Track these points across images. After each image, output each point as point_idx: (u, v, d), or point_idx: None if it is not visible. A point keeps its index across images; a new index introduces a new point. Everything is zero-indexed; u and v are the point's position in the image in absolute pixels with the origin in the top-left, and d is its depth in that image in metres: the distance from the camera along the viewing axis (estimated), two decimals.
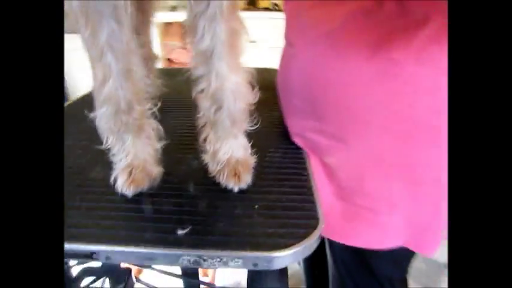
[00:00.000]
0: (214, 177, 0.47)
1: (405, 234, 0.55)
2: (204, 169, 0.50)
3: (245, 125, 0.48)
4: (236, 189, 0.46)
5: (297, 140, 0.59)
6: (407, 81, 0.47)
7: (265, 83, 0.55)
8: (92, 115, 0.45)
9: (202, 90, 0.45)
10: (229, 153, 0.47)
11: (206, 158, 0.49)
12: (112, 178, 0.47)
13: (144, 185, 0.46)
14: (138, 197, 0.45)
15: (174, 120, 0.68)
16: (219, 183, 0.47)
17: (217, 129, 0.47)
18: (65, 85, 1.77)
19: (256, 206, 0.42)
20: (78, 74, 1.75)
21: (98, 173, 0.50)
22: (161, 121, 0.50)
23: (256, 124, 0.49)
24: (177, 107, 0.73)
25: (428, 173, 0.51)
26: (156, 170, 0.48)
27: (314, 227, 0.39)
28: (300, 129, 0.58)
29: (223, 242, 0.37)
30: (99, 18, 0.39)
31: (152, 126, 0.49)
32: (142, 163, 0.48)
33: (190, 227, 0.38)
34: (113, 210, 0.42)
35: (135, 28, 0.66)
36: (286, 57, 0.60)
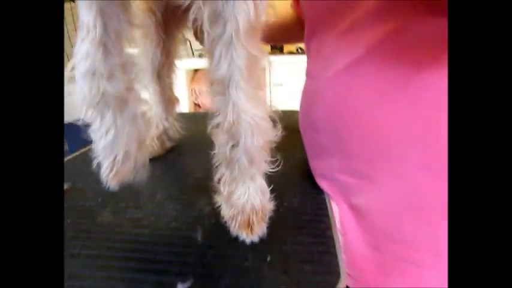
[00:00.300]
0: (226, 223, 0.43)
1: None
2: (216, 215, 0.46)
3: (265, 165, 0.42)
4: (248, 242, 0.41)
5: (322, 183, 0.54)
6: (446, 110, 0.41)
7: (290, 125, 0.52)
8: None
9: (217, 125, 0.41)
10: (245, 197, 0.42)
11: (219, 200, 0.44)
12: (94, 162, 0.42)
13: (129, 176, 0.42)
14: (140, 245, 0.41)
15: (192, 163, 0.66)
16: (230, 232, 0.42)
17: (234, 169, 0.41)
18: None
19: (268, 259, 0.37)
20: None
21: (105, 217, 0.48)
22: (179, 164, 0.48)
23: (277, 166, 0.44)
24: (197, 149, 0.71)
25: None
26: (141, 157, 0.42)
27: (333, 284, 0.33)
28: (325, 170, 0.53)
29: None
30: None
31: (140, 104, 0.42)
32: (125, 148, 0.41)
33: (192, 281, 0.34)
34: (112, 260, 0.39)
35: (158, 72, 0.69)
36: (308, 93, 0.57)
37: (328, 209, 0.47)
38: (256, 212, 0.42)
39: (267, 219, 0.43)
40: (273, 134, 0.41)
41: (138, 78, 0.43)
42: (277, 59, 1.83)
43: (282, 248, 0.39)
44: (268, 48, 1.81)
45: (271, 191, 0.45)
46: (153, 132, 0.70)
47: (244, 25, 0.35)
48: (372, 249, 0.47)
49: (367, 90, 0.45)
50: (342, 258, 0.37)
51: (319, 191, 0.53)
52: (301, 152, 0.60)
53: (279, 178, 0.44)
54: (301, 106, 0.59)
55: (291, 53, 1.93)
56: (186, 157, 0.71)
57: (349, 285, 0.47)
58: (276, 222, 0.44)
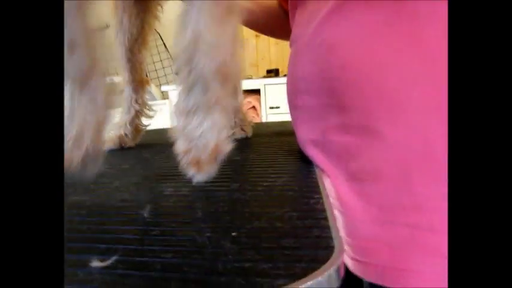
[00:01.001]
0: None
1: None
2: (177, 195, 0.36)
3: (224, 98, 0.37)
4: (194, 181, 0.36)
5: (313, 152, 0.45)
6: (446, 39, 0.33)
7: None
8: None
9: (177, 41, 0.37)
10: (199, 131, 0.37)
11: (175, 130, 0.39)
12: None
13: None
14: (80, 225, 0.31)
15: (161, 157, 0.56)
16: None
17: (189, 97, 0.38)
18: None
19: (234, 234, 0.27)
20: None
21: None
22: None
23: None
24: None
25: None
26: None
27: (323, 259, 0.22)
28: (317, 135, 0.44)
29: None
30: None
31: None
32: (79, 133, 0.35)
33: (117, 257, 0.23)
34: None
35: (130, 47, 0.65)
36: (291, 59, 0.50)
37: (320, 184, 0.37)
38: (208, 149, 0.37)
39: (219, 159, 0.37)
40: (234, 65, 0.38)
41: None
42: (272, 82, 1.79)
43: (254, 224, 0.29)
44: (263, 72, 1.79)
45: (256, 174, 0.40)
46: (125, 117, 0.68)
47: None
48: (381, 225, 0.37)
49: (357, 28, 0.38)
50: (337, 230, 0.26)
51: (311, 169, 0.42)
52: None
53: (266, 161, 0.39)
54: (287, 78, 0.51)
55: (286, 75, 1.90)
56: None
57: (359, 274, 0.36)
58: (250, 200, 0.34)
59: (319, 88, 0.42)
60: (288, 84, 0.51)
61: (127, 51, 0.65)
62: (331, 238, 0.25)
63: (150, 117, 0.72)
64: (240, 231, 0.27)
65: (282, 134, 0.76)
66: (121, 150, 0.67)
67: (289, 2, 0.54)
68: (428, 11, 0.35)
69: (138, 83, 0.70)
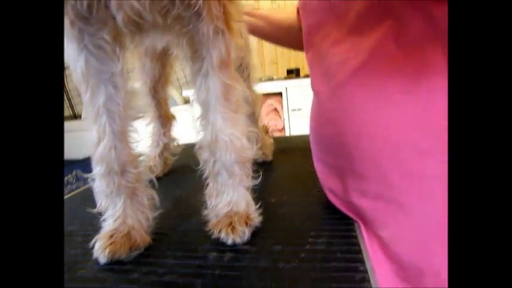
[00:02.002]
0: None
1: None
2: (221, 266, 0.38)
3: (246, 178, 0.46)
4: (229, 242, 0.41)
5: (332, 198, 0.48)
6: None
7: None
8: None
9: (201, 144, 0.46)
10: (229, 207, 0.44)
11: (207, 212, 0.46)
12: (92, 242, 0.42)
13: (123, 253, 0.40)
14: None
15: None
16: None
17: (217, 182, 0.46)
18: None
19: None
20: None
21: (89, 270, 0.40)
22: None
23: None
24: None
25: None
26: (143, 240, 0.43)
27: None
28: (336, 188, 0.47)
29: None
30: (96, 80, 0.41)
31: (147, 193, 0.46)
32: (128, 229, 0.43)
33: None
34: None
35: (154, 85, 0.69)
36: (314, 111, 0.51)
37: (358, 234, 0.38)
38: (239, 215, 0.43)
39: (252, 226, 0.43)
40: (249, 151, 0.45)
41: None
42: (293, 83, 1.77)
43: None
44: (284, 73, 1.77)
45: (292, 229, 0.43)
46: (154, 150, 0.72)
47: (217, 60, 0.42)
48: (403, 282, 0.38)
49: (373, 98, 0.39)
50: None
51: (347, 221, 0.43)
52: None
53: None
54: (310, 126, 0.52)
55: (307, 76, 1.88)
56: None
57: None
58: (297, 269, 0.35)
59: (338, 151, 0.43)
60: (313, 137, 0.52)
61: (151, 90, 0.69)
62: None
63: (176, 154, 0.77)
64: None
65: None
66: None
67: (304, 45, 0.53)
68: (439, 80, 0.35)
69: (164, 118, 0.74)
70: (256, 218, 0.45)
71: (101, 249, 0.41)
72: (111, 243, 0.41)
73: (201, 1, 0.37)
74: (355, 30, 0.42)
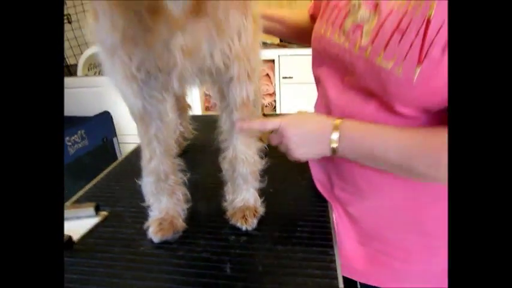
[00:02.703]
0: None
1: (423, 281, 0.62)
2: (239, 246, 0.56)
3: (254, 182, 0.63)
4: (243, 229, 0.59)
5: (319, 187, 0.68)
6: None
7: None
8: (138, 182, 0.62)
9: (224, 158, 0.63)
10: (242, 202, 0.62)
11: (226, 204, 0.64)
12: (145, 225, 0.60)
13: (169, 235, 0.58)
14: (180, 275, 0.51)
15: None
16: (253, 265, 0.52)
17: (234, 185, 0.63)
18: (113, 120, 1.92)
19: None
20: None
21: (146, 248, 0.58)
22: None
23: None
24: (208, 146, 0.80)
25: (440, 228, 0.57)
26: (181, 225, 0.61)
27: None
28: (326, 184, 0.68)
29: None
30: (149, 118, 0.57)
31: (182, 191, 0.63)
32: (171, 218, 0.60)
33: None
34: None
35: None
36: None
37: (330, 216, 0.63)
38: (249, 209, 0.61)
39: (258, 216, 0.62)
40: (260, 165, 0.63)
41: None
42: (286, 53, 1.86)
43: (295, 280, 0.48)
44: (276, 40, 1.84)
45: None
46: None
47: (239, 100, 0.56)
48: (361, 245, 0.63)
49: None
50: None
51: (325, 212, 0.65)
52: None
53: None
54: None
55: (299, 45, 1.95)
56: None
57: (344, 274, 0.56)
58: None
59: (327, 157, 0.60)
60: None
61: None
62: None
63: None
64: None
65: None
66: None
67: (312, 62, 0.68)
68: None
69: (182, 109, 0.90)
70: (261, 210, 0.63)
71: (153, 232, 0.58)
72: (160, 229, 0.58)
73: (234, 74, 0.52)
74: None
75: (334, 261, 0.52)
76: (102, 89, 1.89)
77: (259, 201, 0.64)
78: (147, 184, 0.61)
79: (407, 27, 0.46)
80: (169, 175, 0.61)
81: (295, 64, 1.86)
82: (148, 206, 0.62)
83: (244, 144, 0.60)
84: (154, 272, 0.52)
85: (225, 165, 0.63)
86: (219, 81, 0.56)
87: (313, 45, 0.65)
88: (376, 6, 0.51)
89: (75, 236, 0.60)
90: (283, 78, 1.90)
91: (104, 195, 0.75)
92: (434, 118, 0.50)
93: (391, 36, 0.48)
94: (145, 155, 0.60)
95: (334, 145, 0.53)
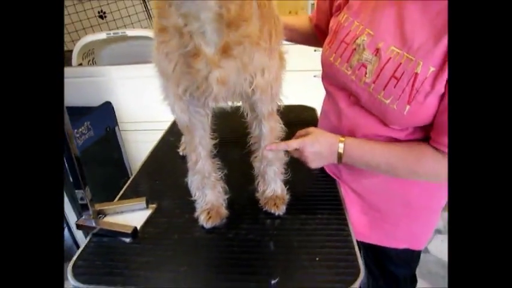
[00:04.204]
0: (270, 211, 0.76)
1: (407, 240, 0.85)
2: (276, 228, 0.71)
3: (281, 175, 0.79)
4: (276, 214, 0.75)
5: (331, 173, 0.87)
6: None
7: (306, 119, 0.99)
8: (185, 180, 0.77)
9: (255, 156, 0.79)
10: (272, 192, 0.77)
11: (258, 195, 0.79)
12: (195, 215, 0.75)
13: (217, 221, 0.73)
14: (234, 254, 0.66)
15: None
16: (291, 242, 0.68)
17: (264, 177, 0.78)
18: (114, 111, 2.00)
19: (317, 258, 0.63)
20: (125, 101, 1.99)
21: (200, 233, 0.72)
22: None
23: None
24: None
25: (420, 202, 0.79)
26: (224, 212, 0.75)
27: (357, 275, 0.59)
28: (334, 168, 0.86)
29: None
30: (195, 129, 0.70)
31: (221, 185, 0.78)
32: (216, 208, 0.75)
33: (278, 278, 0.59)
34: (217, 267, 0.64)
35: None
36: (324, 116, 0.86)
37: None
38: (279, 198, 0.76)
39: (285, 202, 0.77)
40: (283, 162, 0.79)
41: None
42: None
43: (322, 251, 0.65)
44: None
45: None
46: None
47: (266, 113, 0.71)
48: (363, 214, 0.84)
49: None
50: (359, 257, 0.63)
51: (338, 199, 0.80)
52: None
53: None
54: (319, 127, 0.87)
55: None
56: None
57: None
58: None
59: None
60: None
61: None
62: (357, 262, 0.62)
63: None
64: (319, 257, 0.63)
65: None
66: None
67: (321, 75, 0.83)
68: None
69: None
70: (287, 197, 0.78)
71: (204, 220, 0.73)
72: (210, 217, 0.73)
73: (257, 98, 0.66)
74: None
75: (347, 225, 0.71)
76: (101, 79, 1.95)
77: (285, 190, 0.79)
78: (194, 181, 0.75)
79: (400, 76, 0.63)
80: (211, 173, 0.75)
81: (289, 53, 1.95)
82: (195, 200, 0.76)
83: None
84: (213, 252, 0.67)
85: (256, 164, 0.78)
86: (248, 101, 0.70)
87: (324, 67, 0.80)
88: (377, 51, 0.66)
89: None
90: None
91: (145, 190, 0.88)
92: (416, 129, 0.69)
93: (389, 80, 0.65)
94: (191, 158, 0.74)
95: (340, 160, 0.73)
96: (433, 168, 0.66)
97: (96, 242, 0.72)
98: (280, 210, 0.75)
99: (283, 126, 0.76)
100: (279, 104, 0.74)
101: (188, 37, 0.54)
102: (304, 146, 0.72)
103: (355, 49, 0.70)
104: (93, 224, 0.75)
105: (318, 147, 0.72)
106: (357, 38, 0.70)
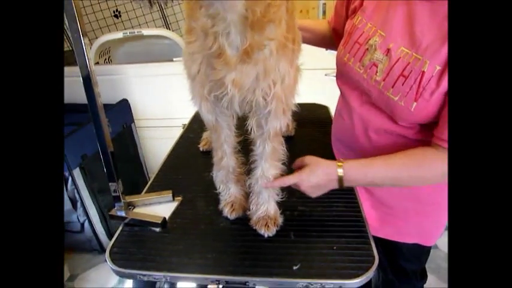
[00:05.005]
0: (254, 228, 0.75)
1: (417, 235, 0.89)
2: (295, 219, 0.77)
3: (276, 196, 0.77)
4: (266, 235, 0.73)
5: (335, 146, 0.94)
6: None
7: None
8: (211, 174, 0.80)
9: (253, 175, 0.76)
10: (265, 212, 0.75)
11: (249, 213, 0.78)
12: (220, 207, 0.80)
13: (240, 213, 0.79)
14: (259, 242, 0.72)
15: None
16: (310, 232, 0.73)
17: (259, 197, 0.76)
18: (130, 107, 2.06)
19: (335, 247, 0.68)
20: (141, 97, 2.05)
21: (225, 223, 0.78)
22: None
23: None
24: None
25: (430, 198, 0.83)
26: (247, 205, 0.79)
27: (372, 262, 0.64)
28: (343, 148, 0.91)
29: (322, 273, 0.63)
30: (221, 128, 0.73)
31: (244, 179, 0.80)
32: (239, 200, 0.80)
33: (299, 264, 0.65)
34: (244, 254, 0.69)
35: None
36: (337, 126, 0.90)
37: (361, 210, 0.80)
38: (270, 218, 0.74)
39: (278, 224, 0.75)
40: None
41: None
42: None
43: (340, 240, 0.70)
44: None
45: None
46: None
47: (273, 132, 0.69)
48: (373, 209, 0.89)
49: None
50: (374, 247, 0.68)
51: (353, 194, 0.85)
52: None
53: None
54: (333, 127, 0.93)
55: None
56: None
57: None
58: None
59: (349, 146, 0.83)
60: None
61: None
62: (372, 250, 0.67)
63: None
64: (337, 245, 0.68)
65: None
66: None
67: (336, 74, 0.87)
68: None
69: None
70: (280, 219, 0.76)
71: (229, 212, 0.78)
72: (234, 209, 0.78)
73: (271, 109, 0.64)
74: None
75: (361, 216, 0.77)
76: (118, 77, 2.02)
77: (278, 212, 0.77)
78: (219, 176, 0.80)
79: (408, 75, 0.68)
80: (235, 168, 0.80)
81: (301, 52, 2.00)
82: (219, 193, 0.82)
83: (271, 166, 0.73)
84: (238, 241, 0.73)
85: (252, 181, 0.76)
86: (258, 114, 0.67)
87: (338, 66, 0.85)
88: (388, 51, 0.71)
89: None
90: None
91: (170, 184, 0.93)
92: (423, 127, 0.73)
93: (398, 78, 0.69)
94: (217, 154, 0.78)
95: (341, 185, 0.71)
96: (437, 167, 0.66)
97: (128, 231, 0.78)
98: (271, 231, 0.73)
99: (285, 149, 0.75)
100: (288, 121, 0.72)
101: (213, 38, 0.56)
102: (300, 181, 0.71)
103: (367, 49, 0.75)
104: (125, 215, 0.81)
105: (315, 180, 0.71)
106: (369, 39, 0.75)
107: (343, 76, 0.85)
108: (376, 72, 0.73)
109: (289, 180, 0.72)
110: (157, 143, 2.16)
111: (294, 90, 0.69)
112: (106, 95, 2.02)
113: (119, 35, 2.06)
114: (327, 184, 0.71)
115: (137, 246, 0.73)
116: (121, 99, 2.00)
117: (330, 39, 1.00)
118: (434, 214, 0.87)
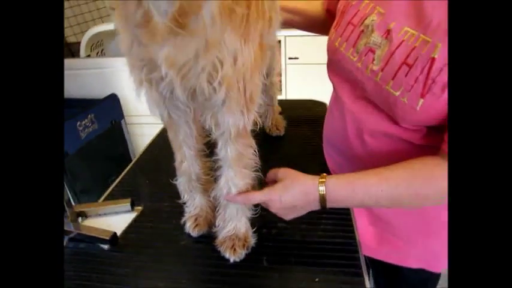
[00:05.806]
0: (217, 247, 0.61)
1: (422, 259, 0.72)
2: (272, 239, 0.63)
3: (247, 211, 0.62)
4: (231, 260, 0.59)
5: (326, 150, 0.79)
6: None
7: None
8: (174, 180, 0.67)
9: (218, 184, 0.60)
10: (233, 232, 0.61)
11: (215, 230, 0.63)
12: (182, 221, 0.66)
13: (205, 229, 0.65)
14: (224, 268, 0.57)
15: None
16: (287, 257, 0.59)
17: (226, 212, 0.61)
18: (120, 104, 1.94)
19: (317, 280, 0.53)
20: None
21: (187, 242, 0.64)
22: None
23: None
24: None
25: (438, 215, 0.66)
26: (214, 220, 0.64)
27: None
28: (337, 168, 0.75)
29: None
30: (177, 126, 0.59)
31: (213, 188, 0.63)
32: (205, 213, 0.66)
33: None
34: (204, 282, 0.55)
35: None
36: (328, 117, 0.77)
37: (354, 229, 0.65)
38: (239, 239, 0.60)
39: (248, 247, 0.60)
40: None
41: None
42: (293, 33, 1.85)
43: (325, 270, 0.55)
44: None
45: None
46: None
47: (234, 132, 0.52)
48: (371, 226, 0.73)
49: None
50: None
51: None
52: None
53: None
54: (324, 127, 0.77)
55: None
56: None
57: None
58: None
59: (341, 152, 0.68)
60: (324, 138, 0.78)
61: None
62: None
63: None
64: (320, 278, 0.54)
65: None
66: None
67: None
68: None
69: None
70: (252, 240, 0.61)
71: (191, 228, 0.64)
72: (197, 224, 0.64)
73: (221, 99, 0.47)
74: None
75: (354, 238, 0.62)
76: (107, 71, 1.90)
77: (250, 230, 0.62)
78: (181, 183, 0.66)
79: (413, 63, 0.51)
80: (200, 175, 0.65)
81: (302, 45, 1.85)
82: (184, 203, 0.68)
83: (237, 174, 0.57)
84: (198, 265, 0.59)
85: (217, 193, 0.60)
86: (209, 107, 0.50)
87: (329, 54, 0.69)
88: (388, 33, 0.54)
89: (116, 231, 0.66)
90: (289, 58, 1.90)
91: (134, 190, 0.80)
92: (432, 130, 0.55)
93: (399, 68, 0.52)
94: (177, 157, 0.64)
95: (324, 206, 0.54)
96: (445, 183, 0.44)
97: (71, 248, 0.65)
98: (237, 256, 0.59)
99: (256, 152, 0.57)
100: (255, 117, 0.53)
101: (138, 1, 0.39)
102: (269, 201, 0.56)
103: (362, 31, 0.59)
104: (71, 228, 0.67)
105: (289, 200, 0.55)
106: (365, 19, 0.59)
107: (334, 65, 0.68)
108: (373, 60, 0.56)
109: (255, 197, 0.57)
110: (149, 140, 2.03)
111: (256, 78, 0.50)
112: (94, 89, 1.91)
113: (111, 26, 1.94)
114: (305, 206, 0.56)
115: (76, 268, 0.60)
116: (109, 94, 1.88)
117: (323, 23, 0.84)
118: (442, 234, 0.69)
